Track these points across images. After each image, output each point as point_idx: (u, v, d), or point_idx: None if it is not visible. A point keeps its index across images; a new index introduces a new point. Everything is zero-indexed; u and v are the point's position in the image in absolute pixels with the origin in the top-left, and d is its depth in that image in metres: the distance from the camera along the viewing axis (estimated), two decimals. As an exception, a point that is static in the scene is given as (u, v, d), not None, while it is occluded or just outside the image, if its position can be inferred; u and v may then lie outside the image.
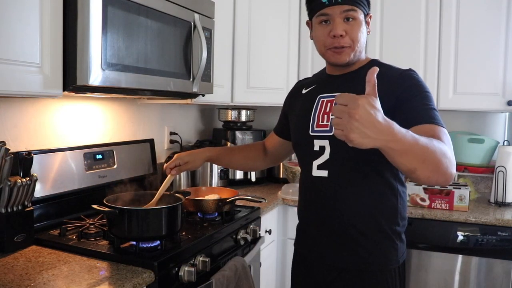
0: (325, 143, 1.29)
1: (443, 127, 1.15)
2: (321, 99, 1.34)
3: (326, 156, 1.29)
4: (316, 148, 1.31)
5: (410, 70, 1.26)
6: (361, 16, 1.25)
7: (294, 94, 1.51)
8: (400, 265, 1.29)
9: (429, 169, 0.98)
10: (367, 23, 1.30)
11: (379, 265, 1.26)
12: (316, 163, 1.31)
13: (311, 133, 1.33)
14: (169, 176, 1.55)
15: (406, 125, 1.00)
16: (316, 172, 1.31)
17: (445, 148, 1.02)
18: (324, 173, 1.29)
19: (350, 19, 1.24)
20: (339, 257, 1.29)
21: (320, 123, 1.31)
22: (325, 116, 1.29)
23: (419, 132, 1.02)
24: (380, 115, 0.89)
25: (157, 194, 1.55)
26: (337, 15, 1.23)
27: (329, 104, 1.30)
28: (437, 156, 0.98)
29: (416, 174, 0.99)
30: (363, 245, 1.26)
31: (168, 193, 1.59)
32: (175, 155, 1.59)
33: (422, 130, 1.08)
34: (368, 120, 0.86)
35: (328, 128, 1.27)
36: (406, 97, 1.18)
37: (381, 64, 1.31)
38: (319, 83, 1.41)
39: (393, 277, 1.27)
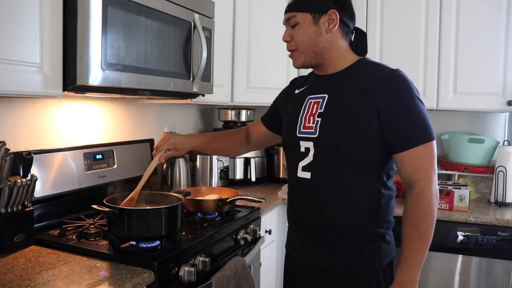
0: (310, 144, 1.30)
1: (424, 141, 1.21)
2: (309, 100, 1.35)
3: (310, 158, 1.30)
4: (302, 149, 1.32)
5: (395, 73, 1.25)
6: (305, 19, 1.29)
7: (288, 93, 1.51)
8: (385, 266, 1.30)
9: (431, 233, 1.23)
10: (331, 20, 1.28)
11: (361, 267, 1.28)
12: (301, 164, 1.32)
13: (298, 134, 1.34)
14: (156, 159, 1.51)
15: (391, 150, 1.22)
16: (300, 173, 1.33)
17: (425, 213, 1.20)
18: (307, 175, 1.31)
19: (294, 25, 1.31)
20: (323, 258, 1.31)
21: (307, 124, 1.32)
22: (311, 118, 1.31)
23: (401, 162, 1.22)
24: None
25: (142, 180, 1.51)
26: (285, 23, 1.35)
27: (315, 105, 1.31)
28: (429, 233, 1.22)
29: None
30: (344, 247, 1.28)
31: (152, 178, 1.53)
32: (165, 135, 1.56)
33: (402, 163, 1.22)
34: None
35: (313, 130, 1.29)
36: (387, 116, 1.21)
37: (366, 63, 1.33)
38: (310, 84, 1.42)
39: (376, 278, 1.28)
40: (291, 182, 1.40)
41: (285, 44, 1.37)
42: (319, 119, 1.28)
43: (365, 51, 1.38)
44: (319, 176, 1.29)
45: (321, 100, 1.31)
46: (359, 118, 1.23)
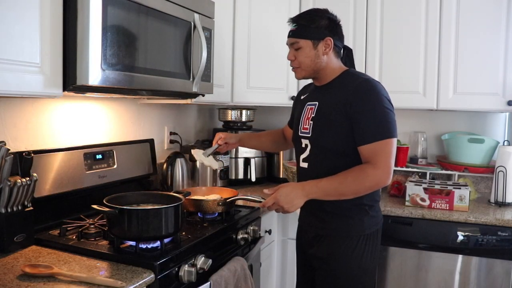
0: (307, 142, 1.64)
1: (382, 137, 1.46)
2: (307, 106, 1.68)
3: (307, 152, 1.65)
4: (303, 145, 1.67)
5: (365, 81, 1.53)
6: (306, 44, 1.58)
7: (298, 98, 1.83)
8: (367, 234, 1.59)
9: (349, 196, 1.50)
10: (326, 45, 1.58)
11: (347, 233, 1.58)
12: (302, 157, 1.68)
13: (299, 134, 1.68)
14: (216, 145, 1.93)
15: (356, 144, 1.50)
16: (301, 164, 1.69)
17: (361, 177, 1.46)
18: (305, 165, 1.66)
19: (298, 49, 1.60)
20: (319, 226, 1.64)
21: (304, 126, 1.65)
22: (307, 120, 1.64)
23: (361, 154, 1.49)
24: (292, 194, 1.47)
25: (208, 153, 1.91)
26: (290, 45, 1.63)
27: (310, 110, 1.64)
28: (351, 189, 1.47)
29: (342, 199, 1.52)
30: (334, 218, 1.60)
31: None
32: (218, 134, 1.94)
33: (363, 152, 1.49)
34: (288, 202, 1.47)
35: (308, 131, 1.62)
36: (353, 116, 1.49)
37: (348, 74, 1.61)
38: (310, 92, 1.74)
39: (359, 242, 1.58)
40: (297, 170, 1.75)
41: (285, 44, 1.65)
42: (312, 122, 1.62)
43: (353, 65, 1.73)
44: (314, 165, 1.63)
45: (313, 106, 1.64)
46: (337, 120, 1.53)
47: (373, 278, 1.66)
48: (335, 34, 1.60)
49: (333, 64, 1.62)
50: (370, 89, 1.51)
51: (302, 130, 1.65)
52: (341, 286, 1.58)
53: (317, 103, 1.62)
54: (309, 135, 1.61)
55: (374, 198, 1.63)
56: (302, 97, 1.76)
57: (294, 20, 1.62)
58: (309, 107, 1.65)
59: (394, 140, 1.49)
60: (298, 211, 1.67)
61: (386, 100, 1.51)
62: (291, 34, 1.61)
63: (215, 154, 2.04)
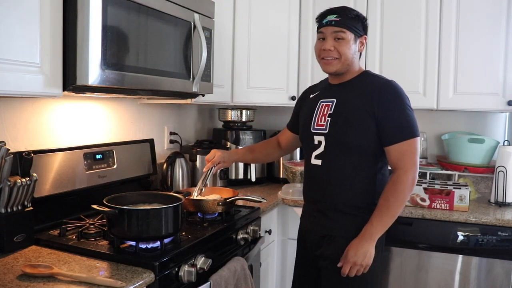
0: (322, 138, 1.63)
1: (408, 137, 1.52)
2: (321, 103, 1.67)
3: (321, 149, 1.63)
4: (315, 142, 1.65)
5: (389, 83, 1.57)
6: (350, 37, 1.57)
7: (304, 97, 1.83)
8: None
9: (402, 209, 1.54)
10: (361, 43, 1.62)
11: (354, 234, 1.55)
12: (314, 153, 1.66)
13: (312, 130, 1.66)
14: (210, 172, 1.87)
15: (382, 144, 1.54)
16: (313, 161, 1.66)
17: (400, 189, 1.51)
18: (318, 162, 1.64)
19: (340, 39, 1.57)
20: (328, 226, 1.63)
21: (319, 122, 1.64)
22: (323, 117, 1.64)
23: (388, 154, 1.55)
24: (362, 249, 1.49)
25: (199, 185, 1.86)
26: (329, 34, 1.58)
27: (326, 107, 1.64)
28: (398, 204, 1.51)
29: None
30: (343, 218, 1.60)
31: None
32: (213, 151, 1.89)
33: (390, 153, 1.54)
34: (363, 257, 1.50)
35: (324, 127, 1.62)
36: (380, 117, 1.53)
37: (368, 75, 1.65)
38: (322, 90, 1.73)
39: None
40: (306, 167, 1.73)
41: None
42: (329, 118, 1.61)
43: None
44: (328, 163, 1.62)
45: (330, 103, 1.64)
46: (359, 119, 1.55)
47: (380, 279, 1.68)
48: (366, 35, 1.64)
49: (358, 63, 1.65)
50: (395, 91, 1.55)
51: (316, 127, 1.64)
52: (350, 286, 1.57)
53: (334, 100, 1.62)
54: (326, 132, 1.61)
55: None
56: (311, 96, 1.75)
57: (336, 11, 1.59)
58: (325, 104, 1.65)
59: (418, 139, 1.54)
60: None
61: (408, 100, 1.56)
62: (335, 24, 1.56)
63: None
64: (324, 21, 1.59)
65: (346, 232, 1.58)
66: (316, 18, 1.65)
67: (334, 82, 1.69)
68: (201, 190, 1.87)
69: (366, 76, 1.64)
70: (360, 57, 1.67)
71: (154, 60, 1.61)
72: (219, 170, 2.02)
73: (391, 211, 1.51)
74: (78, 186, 1.74)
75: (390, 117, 1.53)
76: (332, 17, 1.58)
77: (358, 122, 1.55)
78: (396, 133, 1.52)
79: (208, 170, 1.87)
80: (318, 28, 1.63)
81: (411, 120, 1.54)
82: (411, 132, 1.53)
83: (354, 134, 1.55)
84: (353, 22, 1.57)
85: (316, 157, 1.64)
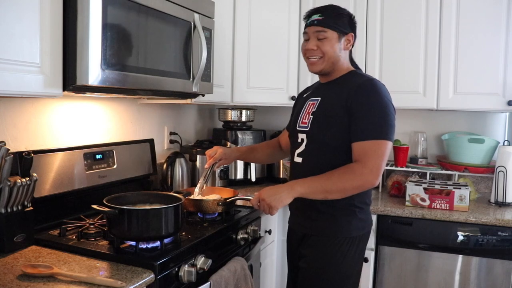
0: (304, 136, 1.63)
1: (376, 138, 1.46)
2: (308, 102, 1.68)
3: (303, 147, 1.63)
4: (299, 140, 1.65)
5: (369, 81, 1.54)
6: (333, 35, 1.56)
7: (299, 98, 1.85)
8: (353, 236, 1.57)
9: (336, 195, 1.48)
10: (348, 41, 1.60)
11: (333, 234, 1.56)
12: (297, 151, 1.66)
13: (297, 128, 1.67)
14: (210, 168, 1.86)
15: (351, 140, 1.49)
16: (296, 159, 1.67)
17: (347, 175, 1.45)
18: (300, 160, 1.64)
19: (322, 38, 1.56)
20: (307, 226, 1.63)
21: (303, 120, 1.65)
22: (307, 115, 1.64)
23: (354, 150, 1.48)
24: (277, 189, 1.47)
25: (201, 182, 1.87)
26: (312, 33, 1.58)
27: (311, 106, 1.64)
28: (337, 186, 1.45)
29: (329, 198, 1.49)
30: (322, 218, 1.58)
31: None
32: (215, 147, 1.88)
33: (354, 149, 1.49)
34: (272, 196, 1.46)
35: (307, 125, 1.62)
36: (352, 113, 1.49)
37: (354, 74, 1.63)
38: (313, 90, 1.74)
39: (344, 244, 1.56)
40: (290, 165, 1.73)
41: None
42: (312, 116, 1.61)
43: (358, 67, 1.71)
44: (308, 161, 1.61)
45: (315, 102, 1.64)
46: (336, 116, 1.53)
47: (353, 283, 1.62)
48: (354, 33, 1.62)
49: (345, 62, 1.63)
50: (373, 89, 1.51)
51: (301, 124, 1.65)
52: (319, 287, 1.57)
53: (319, 98, 1.62)
54: (307, 129, 1.61)
55: (365, 201, 1.61)
56: (304, 95, 1.76)
57: (319, 10, 1.58)
58: (311, 102, 1.65)
59: (389, 144, 1.47)
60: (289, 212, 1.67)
61: (388, 102, 1.51)
62: (317, 23, 1.56)
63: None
64: (308, 21, 1.60)
65: (321, 231, 1.58)
66: (303, 19, 1.65)
67: (322, 81, 1.70)
68: (203, 186, 1.87)
69: (352, 75, 1.61)
70: (351, 54, 1.67)
71: (154, 60, 1.61)
72: (218, 169, 2.02)
73: (326, 186, 1.45)
74: (78, 186, 1.74)
75: (361, 114, 1.48)
76: (315, 17, 1.57)
77: (335, 119, 1.53)
78: (364, 130, 1.47)
79: (209, 167, 1.86)
80: (304, 28, 1.63)
81: (385, 122, 1.48)
82: (381, 133, 1.46)
83: (331, 132, 1.53)
84: (337, 20, 1.56)
85: (298, 155, 1.64)
